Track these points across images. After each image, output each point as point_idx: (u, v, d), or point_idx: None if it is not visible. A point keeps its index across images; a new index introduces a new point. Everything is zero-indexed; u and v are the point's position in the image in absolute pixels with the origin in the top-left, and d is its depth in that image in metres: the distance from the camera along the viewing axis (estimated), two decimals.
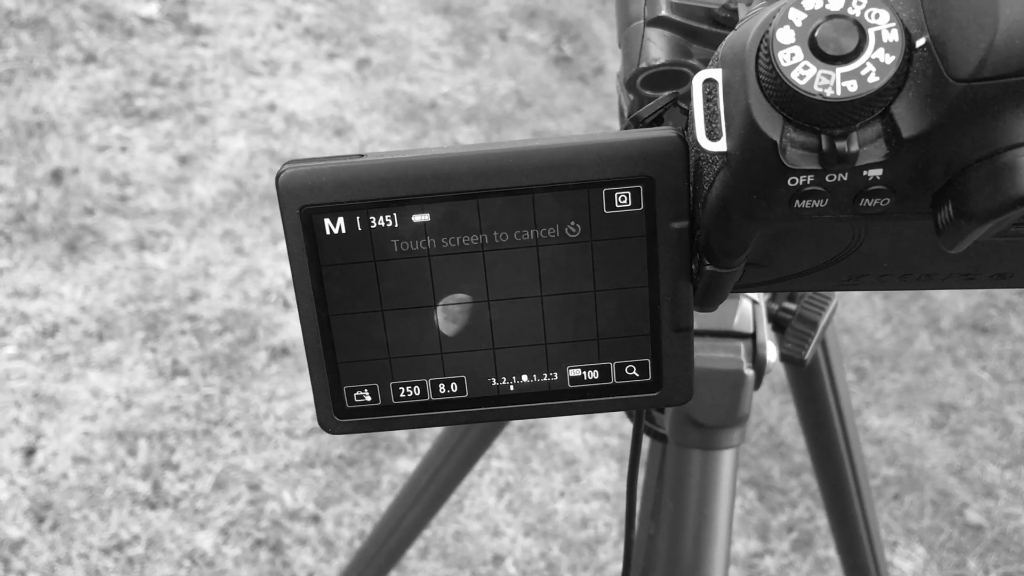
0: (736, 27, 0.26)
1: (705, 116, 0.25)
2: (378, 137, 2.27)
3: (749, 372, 0.50)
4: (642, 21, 0.33)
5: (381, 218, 0.29)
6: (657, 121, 0.31)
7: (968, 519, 1.64)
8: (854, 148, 0.23)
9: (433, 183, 0.29)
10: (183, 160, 2.06)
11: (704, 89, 0.25)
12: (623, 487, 1.62)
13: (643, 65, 0.32)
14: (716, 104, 0.25)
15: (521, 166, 0.29)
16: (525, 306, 0.30)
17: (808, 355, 0.55)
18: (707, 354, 0.50)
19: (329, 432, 0.32)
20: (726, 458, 0.52)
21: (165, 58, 2.31)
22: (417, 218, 0.29)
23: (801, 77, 0.23)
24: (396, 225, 0.29)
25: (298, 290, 0.31)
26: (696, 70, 0.32)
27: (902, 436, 1.76)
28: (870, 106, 0.23)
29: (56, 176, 1.95)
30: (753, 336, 0.51)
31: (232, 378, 1.66)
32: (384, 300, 0.30)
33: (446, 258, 0.30)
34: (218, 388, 1.65)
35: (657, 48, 0.31)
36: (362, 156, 0.29)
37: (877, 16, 0.22)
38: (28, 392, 1.60)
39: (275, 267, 1.87)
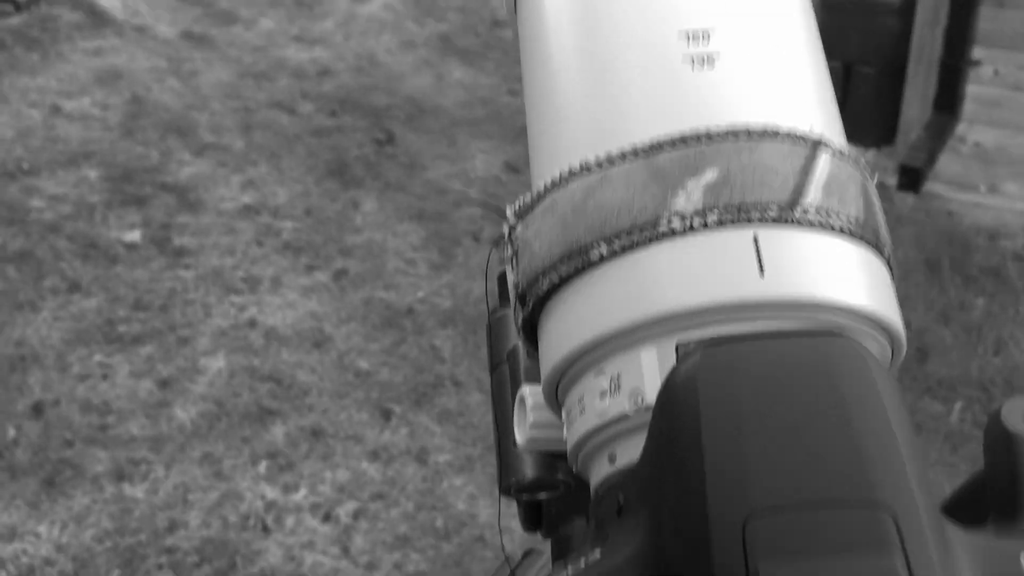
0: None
1: None
2: (356, 347, 2.31)
3: None
4: (511, 442, 0.35)
5: None
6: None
7: None
8: None
9: None
10: (164, 384, 2.09)
11: None
12: None
13: (513, 480, 0.34)
14: None
15: None
16: None
17: None
18: None
19: None
20: None
21: (148, 282, 2.38)
22: None
23: None
24: None
25: None
26: (564, 483, 0.35)
27: None
28: None
29: (37, 409, 1.97)
30: None
31: None
32: None
33: None
34: None
35: (527, 465, 0.34)
36: None
37: None
38: None
39: (254, 489, 1.87)
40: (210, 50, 3.56)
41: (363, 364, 2.26)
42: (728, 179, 0.23)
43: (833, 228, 0.23)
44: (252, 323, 2.32)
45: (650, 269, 0.23)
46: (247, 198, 2.78)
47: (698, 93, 0.25)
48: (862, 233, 0.24)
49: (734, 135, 0.24)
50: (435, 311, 2.46)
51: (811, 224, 0.23)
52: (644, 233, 0.23)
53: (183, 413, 2.02)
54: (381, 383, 2.20)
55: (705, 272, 0.22)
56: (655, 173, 0.23)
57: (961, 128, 3.08)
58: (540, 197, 0.25)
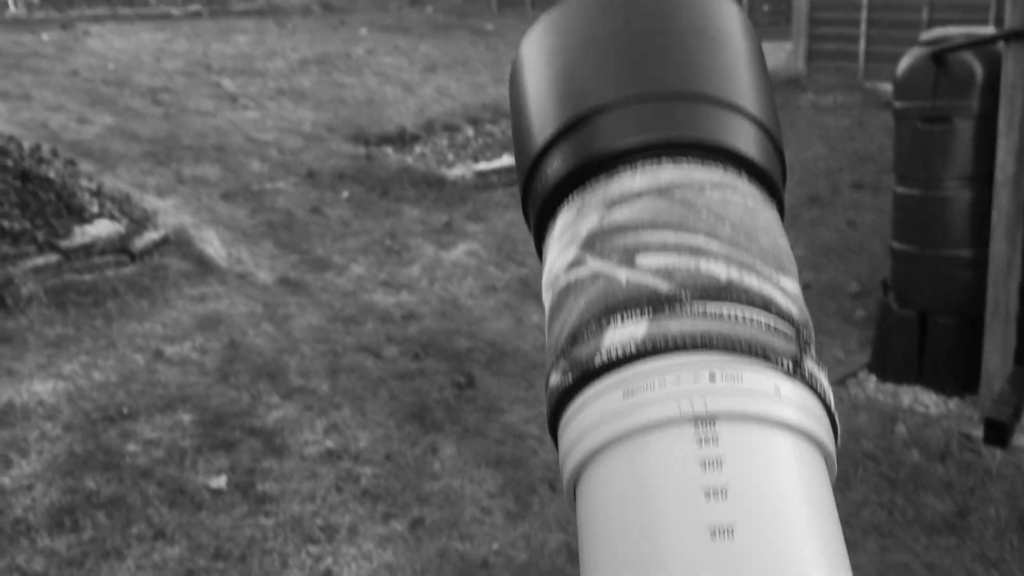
0: None
1: None
2: None
3: None
4: None
5: None
6: None
7: None
8: None
9: None
10: None
11: None
12: None
13: None
14: None
15: None
16: None
17: None
18: None
19: None
20: None
21: (229, 529, 2.42)
22: None
23: None
24: None
25: None
26: None
27: None
28: None
29: None
30: None
31: None
32: None
33: None
34: None
35: None
36: None
37: None
38: None
39: None
40: (304, 295, 3.79)
41: None
42: None
43: None
44: (327, 575, 2.32)
45: None
46: (330, 442, 2.86)
47: None
48: None
49: None
50: (510, 564, 2.44)
51: None
52: None
53: None
54: None
55: None
56: None
57: None
58: None
